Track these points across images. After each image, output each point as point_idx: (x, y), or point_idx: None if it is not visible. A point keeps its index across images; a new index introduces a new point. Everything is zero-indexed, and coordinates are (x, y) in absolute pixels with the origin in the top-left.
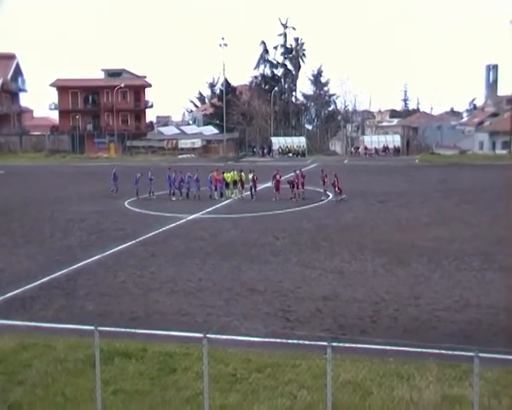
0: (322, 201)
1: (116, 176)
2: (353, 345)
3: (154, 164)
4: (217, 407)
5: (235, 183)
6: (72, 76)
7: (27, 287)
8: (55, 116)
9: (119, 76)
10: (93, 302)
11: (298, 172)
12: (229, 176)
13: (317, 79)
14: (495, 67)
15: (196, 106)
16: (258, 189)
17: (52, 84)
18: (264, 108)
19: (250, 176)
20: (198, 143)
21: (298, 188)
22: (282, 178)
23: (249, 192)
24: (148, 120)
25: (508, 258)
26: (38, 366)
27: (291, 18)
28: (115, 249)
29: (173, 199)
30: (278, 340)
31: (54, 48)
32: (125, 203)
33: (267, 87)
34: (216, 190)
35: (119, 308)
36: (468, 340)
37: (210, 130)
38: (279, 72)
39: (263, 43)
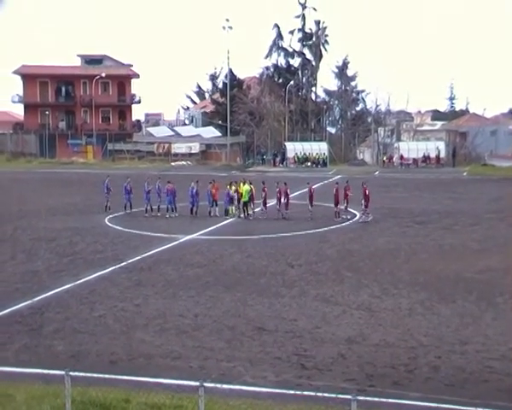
0: (347, 221)
1: (109, 188)
2: (384, 399)
3: (141, 173)
4: None
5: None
6: (41, 62)
7: None
8: (19, 111)
9: (99, 64)
10: (64, 341)
11: (280, 185)
12: (236, 189)
13: (342, 72)
14: None
15: (194, 102)
16: (267, 205)
17: (16, 72)
18: (277, 107)
19: (247, 188)
20: (196, 147)
21: (284, 206)
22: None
23: (243, 209)
24: (134, 118)
25: None
26: None
27: None
28: (92, 276)
29: (167, 216)
30: (291, 391)
31: (19, 26)
32: (106, 220)
33: (281, 81)
34: (217, 205)
35: (96, 349)
36: None
37: (210, 132)
38: (296, 62)
39: (276, 26)
